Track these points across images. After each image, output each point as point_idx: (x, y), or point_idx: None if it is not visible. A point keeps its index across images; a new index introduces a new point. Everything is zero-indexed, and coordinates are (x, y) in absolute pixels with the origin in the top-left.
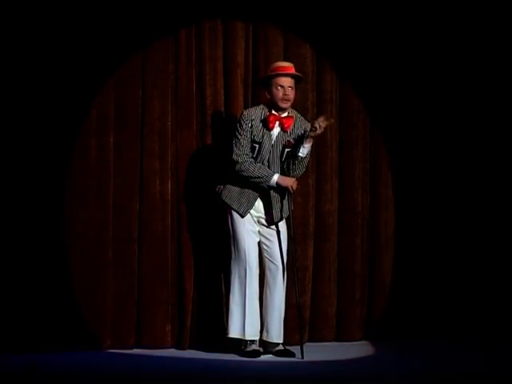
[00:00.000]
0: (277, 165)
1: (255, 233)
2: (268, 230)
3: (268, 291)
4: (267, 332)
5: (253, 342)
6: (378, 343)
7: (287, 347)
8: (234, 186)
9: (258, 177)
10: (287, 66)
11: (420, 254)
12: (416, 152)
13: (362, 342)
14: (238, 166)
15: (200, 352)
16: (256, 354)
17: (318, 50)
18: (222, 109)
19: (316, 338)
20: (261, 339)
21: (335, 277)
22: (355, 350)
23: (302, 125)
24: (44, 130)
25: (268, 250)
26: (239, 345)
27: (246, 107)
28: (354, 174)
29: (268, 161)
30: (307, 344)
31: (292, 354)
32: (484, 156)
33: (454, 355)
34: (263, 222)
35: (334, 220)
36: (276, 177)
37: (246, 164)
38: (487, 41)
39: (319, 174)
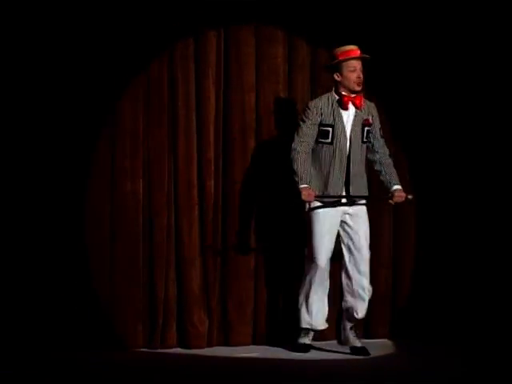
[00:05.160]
0: (359, 145)
1: (334, 231)
2: (350, 216)
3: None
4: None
5: (307, 333)
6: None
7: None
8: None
9: (295, 172)
10: (355, 49)
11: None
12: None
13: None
14: (293, 153)
15: (178, 350)
16: (306, 348)
17: (289, 49)
18: (194, 109)
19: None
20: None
21: None
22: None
23: (368, 105)
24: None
25: (351, 236)
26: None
27: (217, 108)
28: None
29: (350, 141)
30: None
31: (367, 353)
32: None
33: (467, 357)
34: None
35: None
36: (302, 186)
37: (300, 154)
38: (479, 43)
39: None
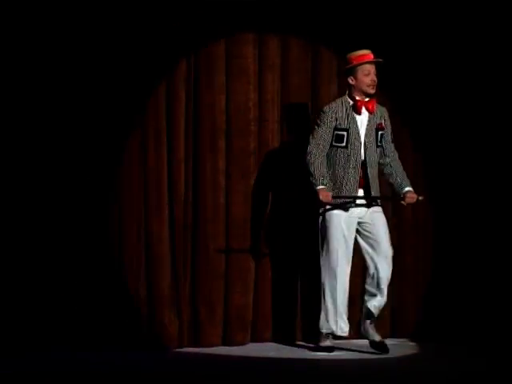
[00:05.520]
0: (374, 149)
1: (350, 234)
2: (366, 217)
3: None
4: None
5: (328, 336)
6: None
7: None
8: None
9: (312, 174)
10: (369, 53)
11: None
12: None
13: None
14: (309, 157)
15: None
16: (331, 349)
17: (259, 49)
18: (164, 109)
19: None
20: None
21: None
22: None
23: (380, 109)
24: None
25: (371, 237)
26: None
27: (187, 108)
28: None
29: (365, 145)
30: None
31: (386, 349)
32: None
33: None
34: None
35: None
36: (320, 187)
37: (316, 157)
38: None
39: None
